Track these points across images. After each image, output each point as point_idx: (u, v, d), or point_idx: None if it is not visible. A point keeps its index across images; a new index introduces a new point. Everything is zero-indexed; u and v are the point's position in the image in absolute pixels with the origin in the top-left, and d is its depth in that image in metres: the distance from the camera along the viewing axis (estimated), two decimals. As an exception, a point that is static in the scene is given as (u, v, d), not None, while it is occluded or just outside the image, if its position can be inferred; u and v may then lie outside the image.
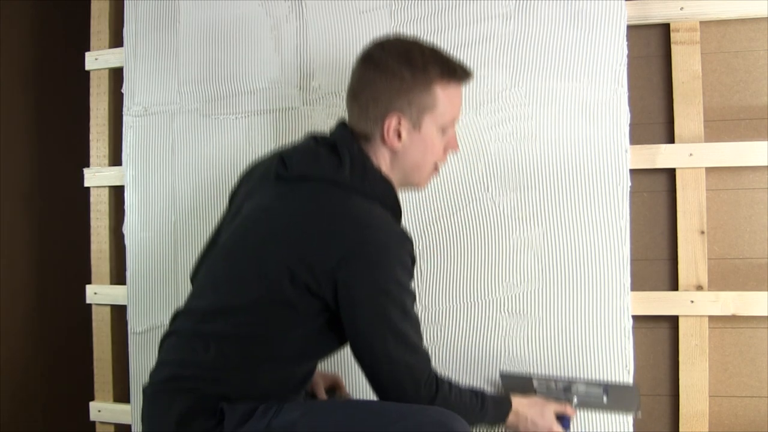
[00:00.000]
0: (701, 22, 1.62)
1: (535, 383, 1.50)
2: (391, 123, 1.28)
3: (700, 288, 1.59)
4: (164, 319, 1.77)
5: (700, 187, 1.60)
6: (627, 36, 1.58)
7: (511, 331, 1.61)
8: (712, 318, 1.59)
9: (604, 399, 1.49)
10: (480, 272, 1.63)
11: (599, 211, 1.58)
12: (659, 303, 1.61)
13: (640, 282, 1.62)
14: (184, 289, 1.79)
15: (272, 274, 1.21)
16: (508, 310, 1.62)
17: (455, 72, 1.30)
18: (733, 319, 1.59)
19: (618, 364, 1.56)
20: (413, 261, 1.27)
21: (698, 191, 1.60)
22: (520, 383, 1.52)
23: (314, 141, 1.35)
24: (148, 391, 1.28)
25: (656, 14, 1.63)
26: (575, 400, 1.49)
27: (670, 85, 1.63)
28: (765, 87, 1.61)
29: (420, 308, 1.66)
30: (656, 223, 1.65)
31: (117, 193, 1.98)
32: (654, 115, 1.66)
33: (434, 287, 1.66)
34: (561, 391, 1.49)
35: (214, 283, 1.30)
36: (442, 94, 1.29)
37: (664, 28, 1.65)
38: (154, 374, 1.29)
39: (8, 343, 2.19)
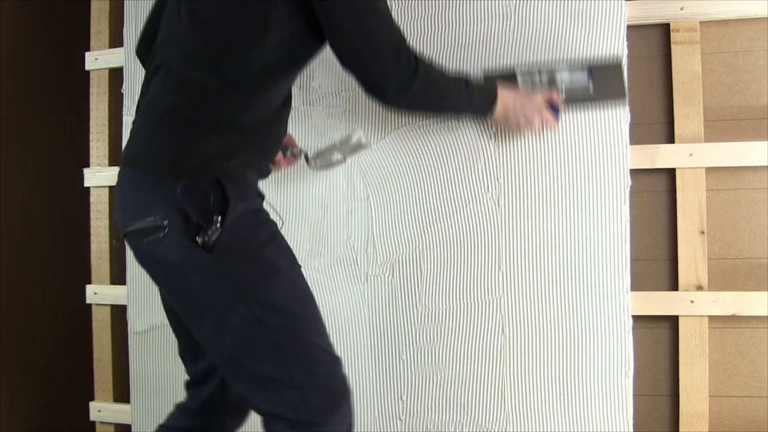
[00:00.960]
0: (701, 22, 1.62)
1: (519, 79, 1.46)
2: None
3: (700, 288, 1.59)
4: (164, 319, 1.77)
5: (700, 187, 1.60)
6: (627, 36, 1.58)
7: (511, 331, 1.62)
8: (712, 318, 1.59)
9: (590, 86, 1.47)
10: (480, 272, 1.63)
11: (599, 211, 1.58)
12: (659, 303, 1.61)
13: (640, 282, 1.62)
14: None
15: None
16: (508, 310, 1.62)
17: None
18: (733, 319, 1.59)
19: (618, 364, 1.56)
20: None
21: (698, 191, 1.60)
22: (503, 79, 1.48)
23: None
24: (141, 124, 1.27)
25: (656, 14, 1.63)
26: (563, 90, 1.47)
27: (670, 85, 1.63)
28: (765, 87, 1.62)
29: (420, 308, 1.66)
30: (656, 223, 1.65)
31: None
32: (654, 115, 1.66)
33: (434, 287, 1.66)
34: (546, 84, 1.47)
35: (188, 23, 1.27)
36: None
37: (664, 28, 1.65)
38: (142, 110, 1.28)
39: (8, 343, 2.19)
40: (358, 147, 1.59)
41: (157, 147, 1.24)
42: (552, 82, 1.47)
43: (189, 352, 1.44)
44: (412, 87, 1.29)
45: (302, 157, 1.60)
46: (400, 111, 1.30)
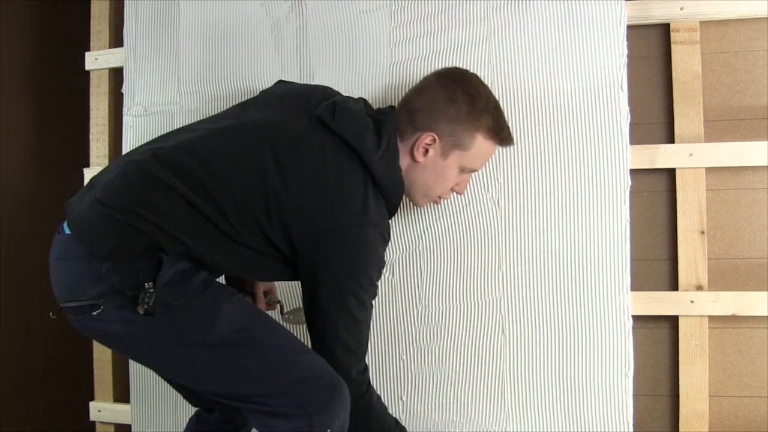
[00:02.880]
0: (701, 22, 1.62)
1: None
2: (426, 139, 1.37)
3: (700, 288, 1.59)
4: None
5: (700, 187, 1.60)
6: (627, 36, 1.58)
7: (510, 331, 1.62)
8: (712, 318, 1.59)
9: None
10: (480, 272, 1.63)
11: (599, 211, 1.58)
12: (659, 303, 1.61)
13: (640, 282, 1.62)
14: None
15: (263, 188, 1.25)
16: (507, 310, 1.62)
17: (501, 133, 1.41)
18: (733, 319, 1.59)
19: (618, 364, 1.56)
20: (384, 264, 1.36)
21: (698, 191, 1.60)
22: None
23: (364, 106, 1.42)
24: (97, 200, 1.23)
25: (656, 14, 1.63)
26: None
27: (670, 85, 1.63)
28: (765, 87, 1.62)
29: (420, 308, 1.66)
30: (656, 223, 1.65)
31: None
32: (654, 115, 1.66)
33: (434, 287, 1.66)
34: None
35: (223, 149, 1.28)
36: (481, 143, 1.39)
37: (664, 28, 1.65)
38: (111, 189, 1.24)
39: (8, 343, 2.19)
40: None
41: (106, 232, 1.21)
42: None
43: (187, 396, 1.51)
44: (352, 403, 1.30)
45: (278, 308, 1.60)
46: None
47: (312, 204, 1.26)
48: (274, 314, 1.59)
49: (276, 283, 1.62)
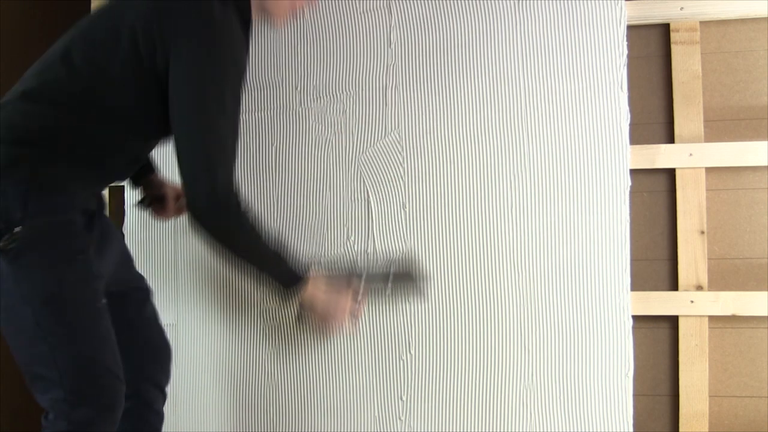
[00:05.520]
0: (701, 22, 1.62)
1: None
2: None
3: (700, 288, 1.59)
4: (165, 319, 1.77)
5: (700, 187, 1.60)
6: (627, 36, 1.58)
7: (510, 330, 1.62)
8: (712, 318, 1.59)
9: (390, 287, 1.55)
10: (480, 272, 1.63)
11: (599, 211, 1.58)
12: (659, 303, 1.61)
13: (640, 282, 1.62)
14: (185, 289, 1.80)
15: (120, 33, 1.26)
16: (507, 310, 1.62)
17: None
18: (733, 319, 1.59)
19: (618, 364, 1.56)
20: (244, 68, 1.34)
21: (698, 191, 1.60)
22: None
23: None
24: None
25: (656, 14, 1.63)
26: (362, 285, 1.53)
27: (670, 85, 1.63)
28: (765, 87, 1.62)
29: (420, 309, 1.66)
30: (656, 223, 1.65)
31: (117, 193, 1.98)
32: (654, 115, 1.66)
33: (434, 287, 1.66)
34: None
35: (52, 53, 1.31)
36: None
37: (664, 28, 1.65)
38: None
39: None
40: None
41: None
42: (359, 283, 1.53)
43: None
44: (223, 214, 1.29)
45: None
46: (206, 234, 1.32)
47: (157, 17, 1.25)
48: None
49: None
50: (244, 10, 1.36)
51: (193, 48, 1.25)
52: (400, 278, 1.55)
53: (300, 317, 1.57)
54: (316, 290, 1.44)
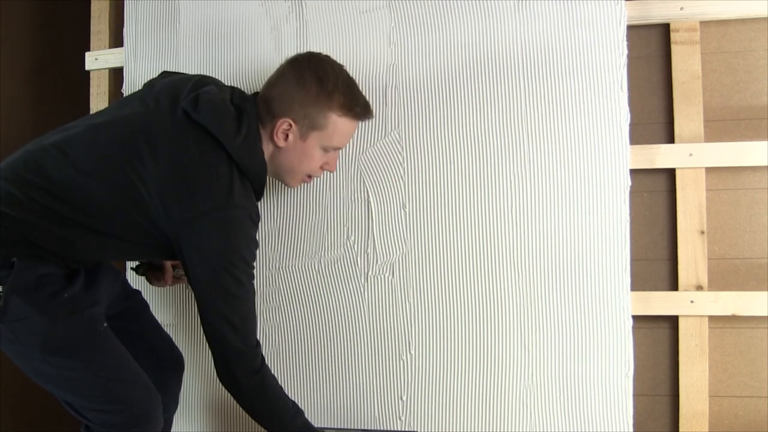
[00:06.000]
0: (701, 22, 1.62)
1: None
2: (283, 125, 1.43)
3: (700, 288, 1.59)
4: (165, 319, 1.77)
5: (700, 187, 1.60)
6: (627, 36, 1.58)
7: (510, 330, 1.62)
8: (712, 318, 1.59)
9: None
10: (480, 272, 1.63)
11: (599, 211, 1.58)
12: (659, 303, 1.61)
13: (640, 282, 1.62)
14: (185, 289, 1.80)
15: (132, 183, 1.33)
16: (507, 310, 1.62)
17: (354, 109, 1.46)
18: (733, 319, 1.59)
19: (618, 364, 1.56)
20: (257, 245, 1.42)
21: (698, 191, 1.60)
22: None
23: (231, 95, 1.47)
24: None
25: (656, 14, 1.63)
26: None
27: (670, 85, 1.63)
28: (765, 87, 1.62)
29: (420, 308, 1.66)
30: (656, 223, 1.65)
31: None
32: (654, 115, 1.66)
33: (434, 287, 1.66)
34: None
35: (93, 146, 1.37)
36: (336, 121, 1.44)
37: (664, 28, 1.65)
38: None
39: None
40: None
41: None
42: None
43: None
44: (249, 383, 1.39)
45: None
46: (239, 394, 1.42)
47: (177, 193, 1.32)
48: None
49: None
50: (259, 190, 1.46)
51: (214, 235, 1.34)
52: None
53: None
54: None
